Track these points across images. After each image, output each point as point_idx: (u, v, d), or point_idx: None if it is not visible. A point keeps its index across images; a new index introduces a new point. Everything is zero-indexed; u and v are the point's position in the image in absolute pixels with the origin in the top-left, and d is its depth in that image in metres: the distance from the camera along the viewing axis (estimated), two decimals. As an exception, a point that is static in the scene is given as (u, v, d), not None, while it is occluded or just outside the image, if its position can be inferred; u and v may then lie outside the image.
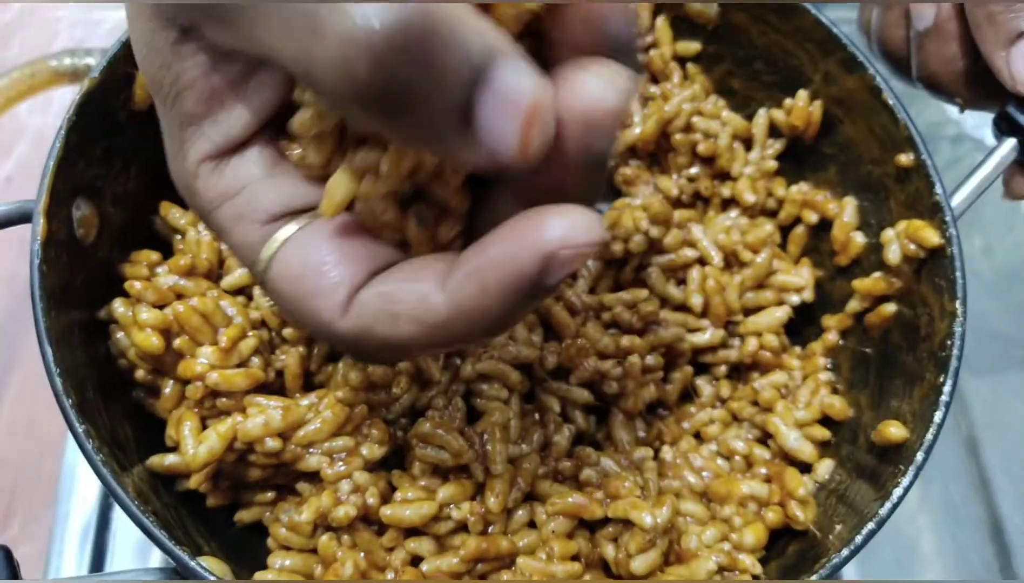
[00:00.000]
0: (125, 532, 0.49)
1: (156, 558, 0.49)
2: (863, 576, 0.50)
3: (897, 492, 0.36)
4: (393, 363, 0.40)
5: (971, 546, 0.51)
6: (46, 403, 0.52)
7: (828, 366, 0.46)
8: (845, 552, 0.35)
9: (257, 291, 0.42)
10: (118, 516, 0.49)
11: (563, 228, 0.22)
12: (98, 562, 0.48)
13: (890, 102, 0.43)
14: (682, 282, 0.47)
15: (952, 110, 0.59)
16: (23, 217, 0.38)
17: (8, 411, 0.53)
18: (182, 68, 0.25)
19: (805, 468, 0.43)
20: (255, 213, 0.26)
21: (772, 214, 0.49)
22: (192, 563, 0.33)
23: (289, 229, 0.25)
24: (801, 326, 0.47)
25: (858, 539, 0.35)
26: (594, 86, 0.22)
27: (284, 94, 0.26)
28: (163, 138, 0.27)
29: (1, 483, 0.51)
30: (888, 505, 0.36)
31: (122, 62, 0.39)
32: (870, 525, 0.36)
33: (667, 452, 0.44)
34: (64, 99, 0.35)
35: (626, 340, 0.44)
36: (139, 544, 0.49)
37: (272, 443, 0.38)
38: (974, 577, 0.51)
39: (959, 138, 0.60)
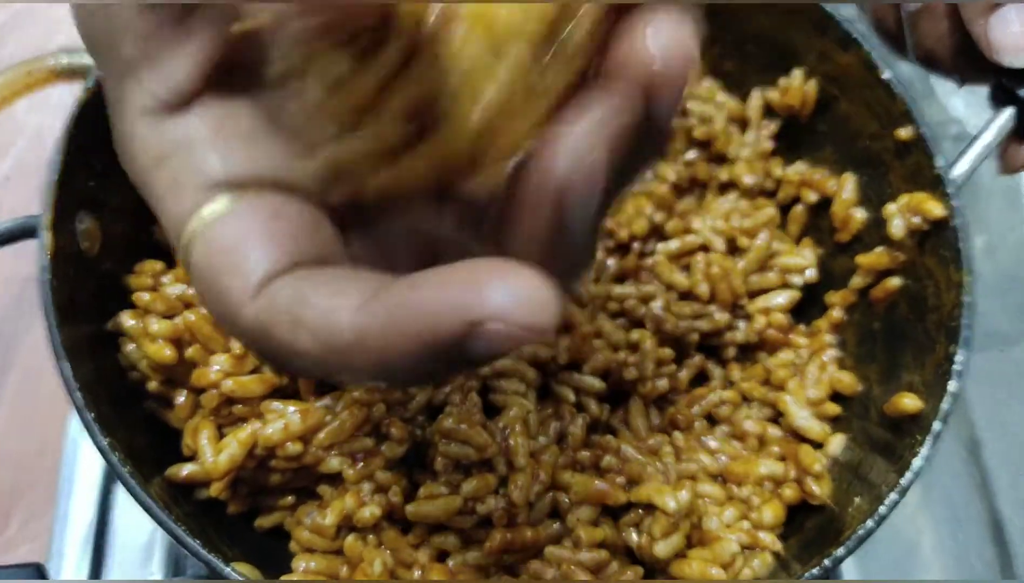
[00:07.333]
0: (125, 532, 0.49)
1: (157, 560, 0.48)
2: (863, 576, 0.50)
3: (916, 462, 0.37)
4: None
5: (972, 547, 0.52)
6: (43, 403, 0.52)
7: (834, 342, 0.46)
8: (870, 523, 0.36)
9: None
10: (118, 517, 0.49)
11: (503, 299, 0.19)
12: (98, 562, 0.48)
13: (886, 77, 0.44)
14: (686, 268, 0.47)
15: (954, 108, 0.59)
16: (27, 232, 0.38)
17: (5, 411, 0.52)
18: (115, 10, 0.22)
19: (817, 445, 0.43)
20: (193, 178, 0.22)
21: (771, 194, 0.50)
22: (227, 569, 0.33)
23: (220, 205, 0.22)
24: (804, 304, 0.48)
25: (882, 510, 0.36)
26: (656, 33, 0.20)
27: (225, 36, 0.22)
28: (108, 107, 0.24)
29: (-1, 484, 0.51)
30: (909, 475, 0.36)
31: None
32: (892, 495, 0.36)
33: (681, 436, 0.44)
34: (62, 98, 0.35)
35: (636, 334, 0.44)
36: (140, 545, 0.49)
37: (293, 447, 0.38)
38: (975, 578, 0.51)
39: (961, 137, 0.60)
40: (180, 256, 0.23)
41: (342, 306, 0.20)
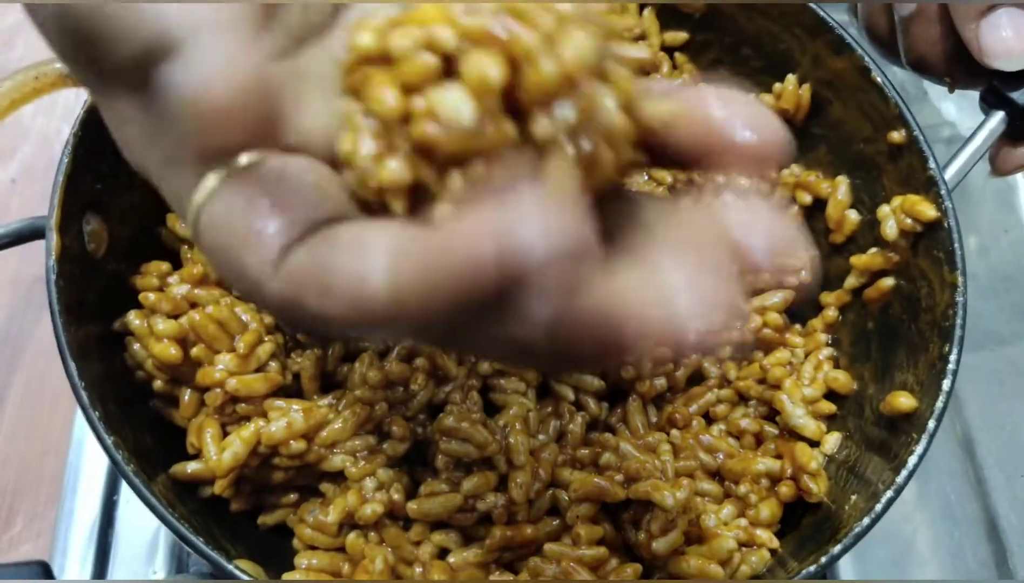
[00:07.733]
0: (129, 530, 0.49)
1: (161, 557, 0.49)
2: (859, 575, 0.51)
3: (912, 460, 0.37)
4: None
5: (967, 545, 0.52)
6: (49, 402, 0.53)
7: (829, 342, 0.47)
8: (866, 521, 0.36)
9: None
10: (122, 515, 0.49)
11: (541, 221, 0.17)
12: (102, 561, 0.48)
13: (879, 81, 0.44)
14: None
15: (946, 112, 0.60)
16: (35, 233, 0.38)
17: (12, 410, 0.53)
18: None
19: (813, 443, 0.44)
20: (188, 151, 0.21)
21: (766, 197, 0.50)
22: (230, 566, 0.33)
23: (221, 173, 0.21)
24: (798, 305, 0.48)
25: (878, 507, 0.36)
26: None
27: None
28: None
29: (4, 482, 0.51)
30: (904, 473, 0.37)
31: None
32: (889, 493, 0.37)
33: (679, 434, 0.45)
34: (69, 101, 0.35)
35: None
36: (143, 542, 0.49)
37: (296, 445, 0.38)
38: (970, 576, 0.51)
39: (953, 140, 0.61)
40: (191, 235, 0.22)
41: (371, 268, 0.19)
